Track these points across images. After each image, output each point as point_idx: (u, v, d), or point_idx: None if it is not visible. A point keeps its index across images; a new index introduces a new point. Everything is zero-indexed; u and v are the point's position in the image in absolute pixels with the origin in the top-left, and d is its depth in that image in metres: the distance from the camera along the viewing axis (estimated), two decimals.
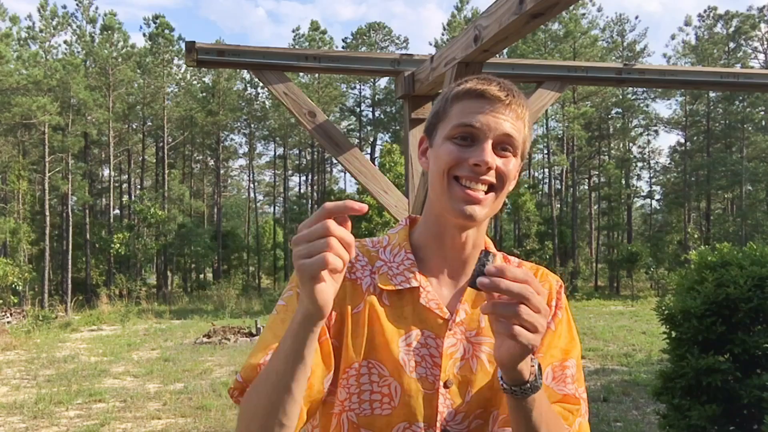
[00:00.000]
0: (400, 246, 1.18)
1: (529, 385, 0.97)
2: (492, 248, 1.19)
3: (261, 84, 4.47)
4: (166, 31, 38.15)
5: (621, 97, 40.48)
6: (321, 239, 0.87)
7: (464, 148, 1.08)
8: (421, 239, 1.18)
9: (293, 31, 42.55)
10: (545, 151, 41.87)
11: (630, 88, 39.04)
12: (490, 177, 1.08)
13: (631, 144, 43.70)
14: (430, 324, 1.12)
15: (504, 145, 1.09)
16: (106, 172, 41.39)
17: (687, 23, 41.72)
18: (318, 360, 1.07)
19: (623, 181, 41.42)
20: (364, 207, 0.87)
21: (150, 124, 40.83)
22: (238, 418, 1.05)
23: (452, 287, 1.16)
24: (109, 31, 35.99)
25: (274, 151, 47.60)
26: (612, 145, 43.83)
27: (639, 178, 47.51)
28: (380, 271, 1.15)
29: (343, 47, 43.79)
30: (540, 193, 43.54)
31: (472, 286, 0.94)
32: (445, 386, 1.09)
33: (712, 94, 37.27)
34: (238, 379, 1.08)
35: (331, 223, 0.87)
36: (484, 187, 1.08)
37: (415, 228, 1.21)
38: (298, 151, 45.85)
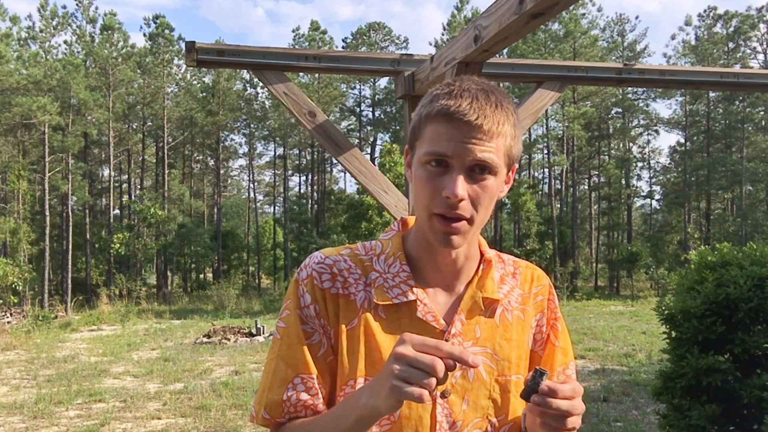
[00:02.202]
0: (395, 256, 1.17)
1: None
2: (487, 251, 1.21)
3: (261, 84, 4.47)
4: (166, 31, 38.15)
5: (621, 97, 40.48)
6: (426, 374, 0.92)
7: (437, 176, 1.06)
8: (414, 250, 1.17)
9: (293, 31, 42.59)
10: (545, 151, 41.87)
11: (630, 88, 39.04)
12: (463, 211, 1.05)
13: (631, 144, 43.71)
14: (427, 336, 1.11)
15: (480, 167, 1.06)
16: (106, 172, 41.43)
17: (687, 23, 41.75)
18: (329, 380, 1.13)
19: (623, 181, 41.42)
20: (478, 363, 0.95)
21: (150, 124, 40.84)
22: None
23: (448, 297, 1.16)
24: (109, 31, 35.99)
25: (274, 151, 47.64)
26: (612, 145, 43.84)
27: (639, 178, 47.60)
28: (375, 284, 1.14)
29: (343, 47, 43.79)
30: (540, 193, 43.54)
31: (524, 399, 1.03)
32: (443, 396, 1.10)
33: (712, 94, 37.27)
34: (264, 415, 1.12)
35: (440, 364, 0.92)
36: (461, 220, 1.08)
37: (408, 234, 1.20)
38: (298, 151, 45.85)
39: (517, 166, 1.16)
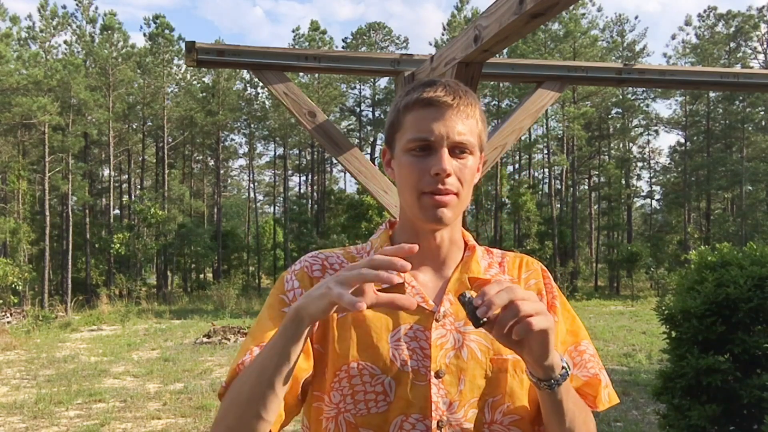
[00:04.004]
0: (382, 247, 1.20)
1: (560, 375, 1.04)
2: (471, 240, 1.25)
3: (261, 84, 4.46)
4: (166, 31, 38.15)
5: (621, 97, 40.47)
6: (360, 274, 0.95)
7: (423, 158, 1.13)
8: (401, 240, 1.22)
9: (293, 31, 42.60)
10: (545, 151, 41.87)
11: (630, 88, 39.04)
12: (451, 186, 1.12)
13: (631, 144, 43.71)
14: (417, 317, 1.14)
15: (460, 148, 1.14)
16: (106, 172, 41.43)
17: (687, 23, 41.76)
18: (301, 362, 1.11)
19: (623, 181, 41.42)
20: (415, 248, 0.97)
21: (150, 124, 40.83)
22: (218, 409, 1.10)
23: (435, 280, 1.20)
24: (109, 31, 35.99)
25: (274, 151, 47.66)
26: (612, 145, 43.84)
27: (639, 178, 47.58)
28: None
29: (343, 47, 43.81)
30: (540, 193, 43.53)
31: (478, 326, 0.97)
32: (437, 376, 1.11)
33: (712, 94, 37.27)
34: (223, 384, 1.13)
35: (378, 256, 0.96)
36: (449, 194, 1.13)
37: (394, 231, 1.26)
38: (298, 151, 45.85)
39: (486, 156, 1.24)
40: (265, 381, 1.01)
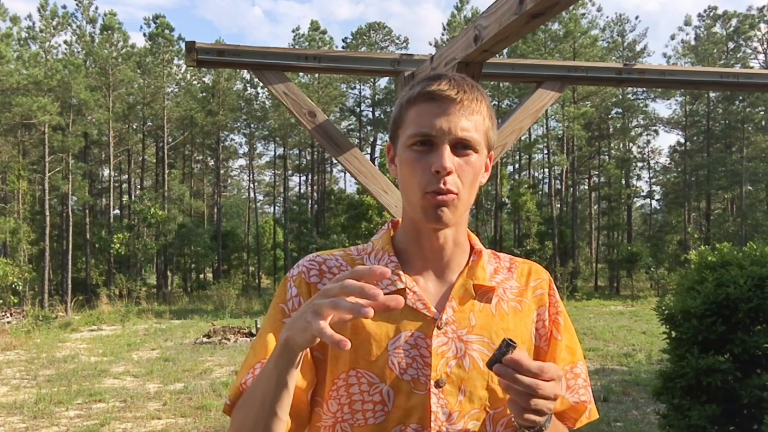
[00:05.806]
0: (384, 250, 1.18)
1: (540, 428, 1.01)
2: (477, 244, 1.21)
3: (261, 84, 4.46)
4: (166, 31, 38.16)
5: (621, 97, 40.48)
6: (332, 299, 0.90)
7: (424, 154, 1.09)
8: (403, 243, 1.18)
9: (293, 31, 42.62)
10: (545, 151, 41.86)
11: (630, 88, 39.04)
12: (452, 185, 1.08)
13: (631, 144, 43.72)
14: (419, 324, 1.11)
15: (463, 144, 1.09)
16: (106, 172, 41.42)
17: (687, 23, 41.76)
18: (308, 378, 1.10)
19: (623, 181, 41.42)
20: (387, 272, 0.90)
21: (150, 124, 40.84)
22: None
23: (439, 287, 1.16)
24: (109, 31, 36.00)
25: (274, 151, 47.65)
26: (612, 145, 43.85)
27: (639, 178, 47.58)
28: None
29: (343, 47, 43.80)
30: (540, 193, 43.54)
31: (488, 367, 0.98)
32: (437, 386, 1.08)
33: (712, 94, 37.27)
34: (226, 402, 1.12)
35: (349, 282, 0.90)
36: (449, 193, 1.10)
37: (397, 232, 1.21)
38: (298, 151, 45.85)
39: (493, 155, 1.19)
40: (267, 409, 1.01)
